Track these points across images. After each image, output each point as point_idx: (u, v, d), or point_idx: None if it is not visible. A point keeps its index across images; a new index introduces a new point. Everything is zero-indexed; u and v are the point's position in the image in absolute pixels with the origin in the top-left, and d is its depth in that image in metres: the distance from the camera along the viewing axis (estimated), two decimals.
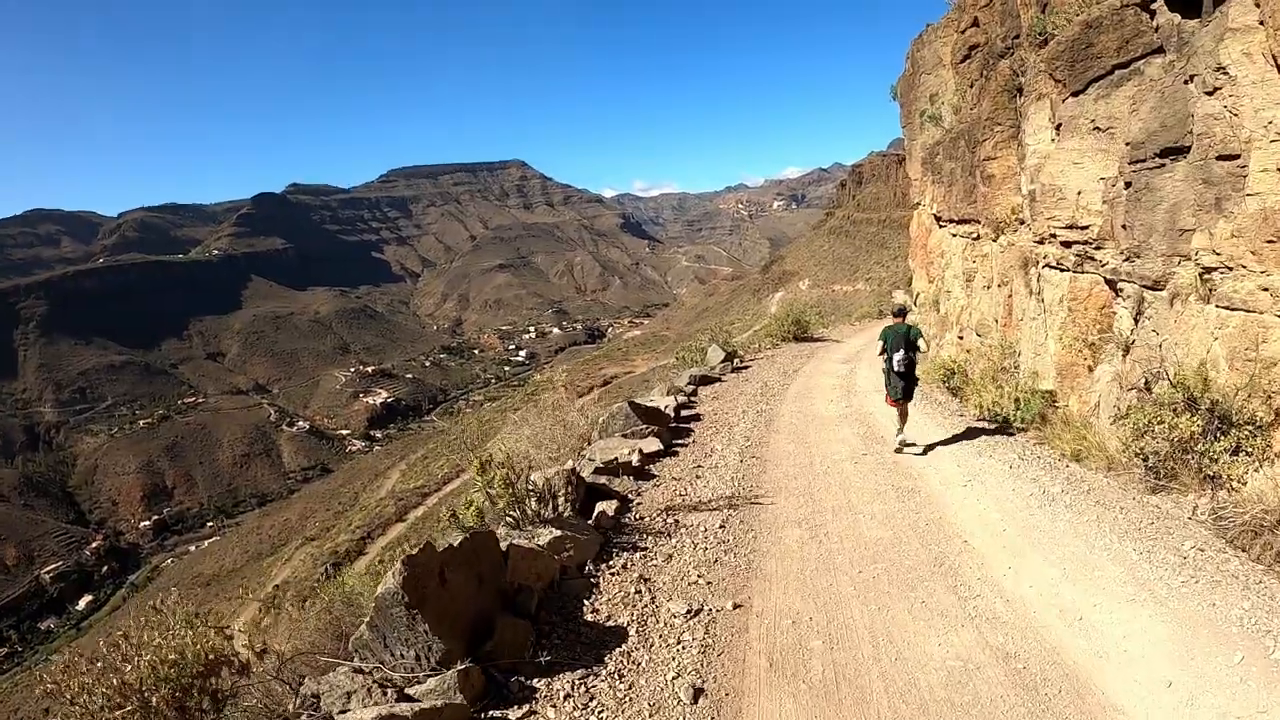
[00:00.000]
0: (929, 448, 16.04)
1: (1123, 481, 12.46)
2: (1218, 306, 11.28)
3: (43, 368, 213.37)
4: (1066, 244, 15.96)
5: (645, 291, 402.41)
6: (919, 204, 34.92)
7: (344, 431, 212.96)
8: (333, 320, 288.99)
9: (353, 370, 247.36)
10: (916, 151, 34.30)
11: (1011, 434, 16.75)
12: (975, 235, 23.67)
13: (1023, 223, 19.89)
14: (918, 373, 16.10)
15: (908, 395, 15.48)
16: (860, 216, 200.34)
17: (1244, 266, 10.71)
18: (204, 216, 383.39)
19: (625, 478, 14.07)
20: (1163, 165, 12.70)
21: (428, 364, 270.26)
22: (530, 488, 10.44)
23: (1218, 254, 11.10)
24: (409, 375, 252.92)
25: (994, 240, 22.00)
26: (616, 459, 14.55)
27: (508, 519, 10.10)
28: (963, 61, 25.85)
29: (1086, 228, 15.26)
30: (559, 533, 9.54)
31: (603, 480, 13.49)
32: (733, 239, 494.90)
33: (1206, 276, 11.46)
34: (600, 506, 11.66)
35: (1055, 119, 16.52)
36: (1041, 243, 17.15)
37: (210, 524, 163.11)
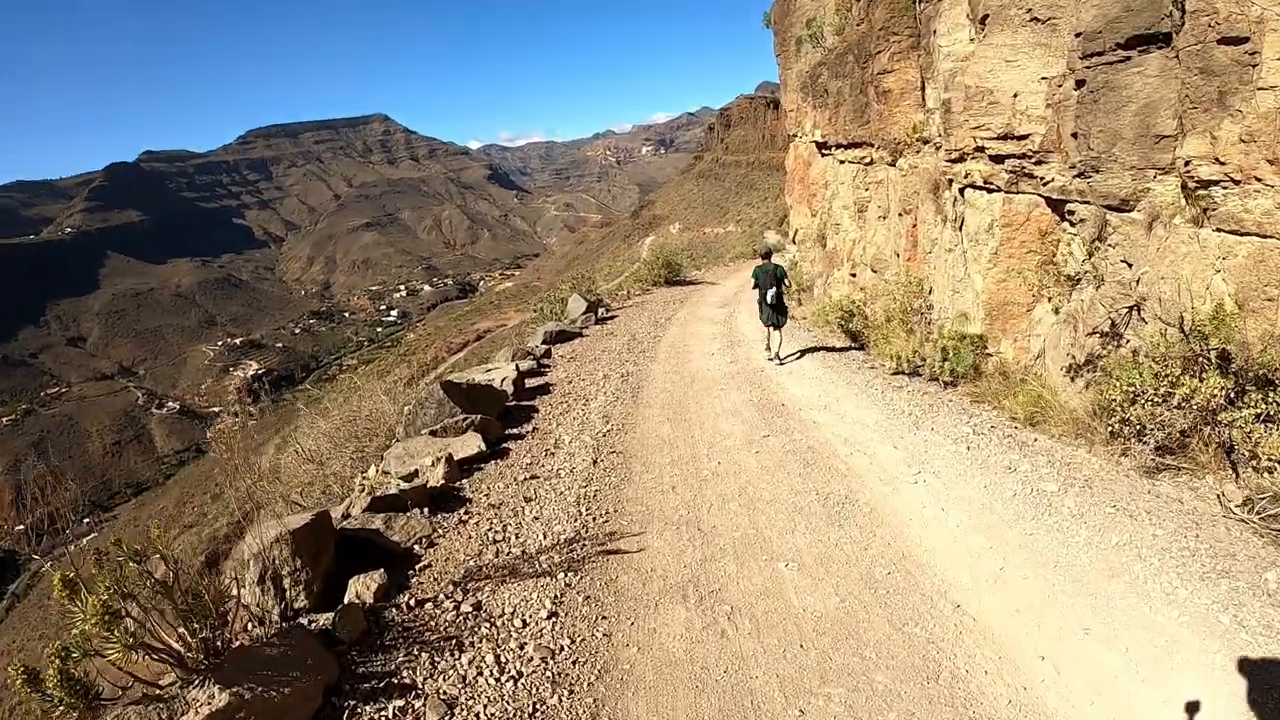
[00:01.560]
0: (847, 416, 13.33)
1: (1110, 459, 9.67)
2: (1219, 230, 8.61)
3: None
4: (998, 158, 13.07)
5: (515, 243, 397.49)
6: (795, 136, 32.51)
7: (216, 408, 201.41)
8: (196, 292, 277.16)
9: (220, 344, 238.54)
10: (792, 80, 31.95)
11: (941, 390, 14.04)
12: (867, 160, 20.97)
13: (927, 142, 17.49)
14: (786, 302, 18.68)
15: (779, 324, 18.12)
16: (729, 159, 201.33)
17: (1257, 179, 8.08)
18: (55, 193, 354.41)
19: (416, 512, 9.45)
20: (1128, 59, 10.14)
21: (297, 331, 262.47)
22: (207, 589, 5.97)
23: (1221, 163, 8.40)
24: (279, 344, 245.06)
25: (890, 164, 19.39)
26: (416, 472, 10.60)
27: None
28: None
29: (1025, 137, 12.39)
30: (226, 700, 5.00)
31: (378, 523, 8.95)
32: (602, 186, 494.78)
33: (1201, 193, 8.79)
34: (355, 587, 7.44)
35: (978, 12, 13.64)
36: (959, 160, 14.40)
37: (87, 520, 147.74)
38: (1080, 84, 11.01)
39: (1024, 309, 13.28)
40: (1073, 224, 11.78)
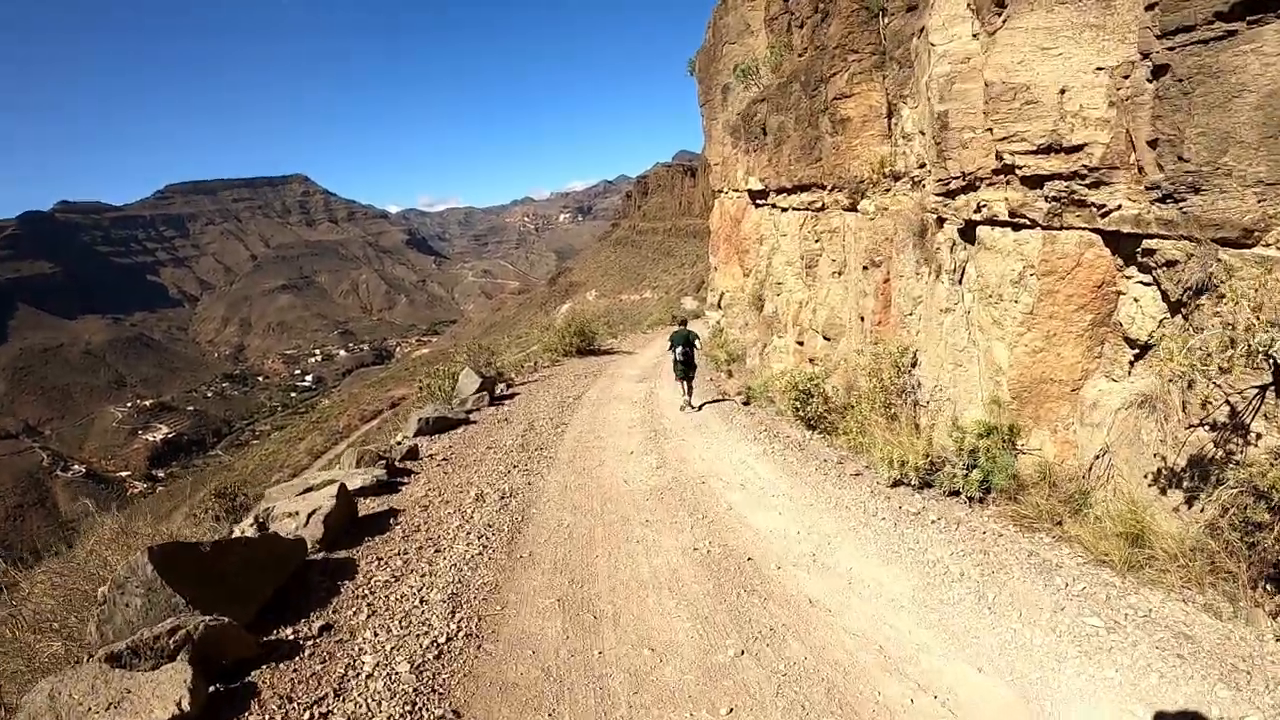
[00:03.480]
0: (860, 583, 8.73)
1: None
2: None
3: None
4: (1035, 180, 9.30)
5: (433, 309, 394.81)
6: (721, 191, 29.81)
7: (124, 473, 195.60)
8: (107, 351, 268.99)
9: (130, 405, 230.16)
10: (718, 130, 29.35)
11: (969, 511, 10.07)
12: (818, 205, 17.40)
13: (899, 177, 14.13)
14: (696, 360, 19.90)
15: (689, 377, 19.62)
16: (646, 226, 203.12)
17: None
18: None
19: None
20: (1233, 33, 6.95)
21: (210, 394, 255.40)
22: None
23: None
24: (190, 408, 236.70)
25: (849, 208, 15.93)
26: None
27: None
28: None
29: (1078, 149, 8.66)
30: None
31: None
32: (520, 253, 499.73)
33: None
34: None
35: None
36: (964, 190, 10.81)
37: None
38: (1160, 71, 7.48)
39: (1068, 388, 9.53)
40: (1147, 268, 8.15)
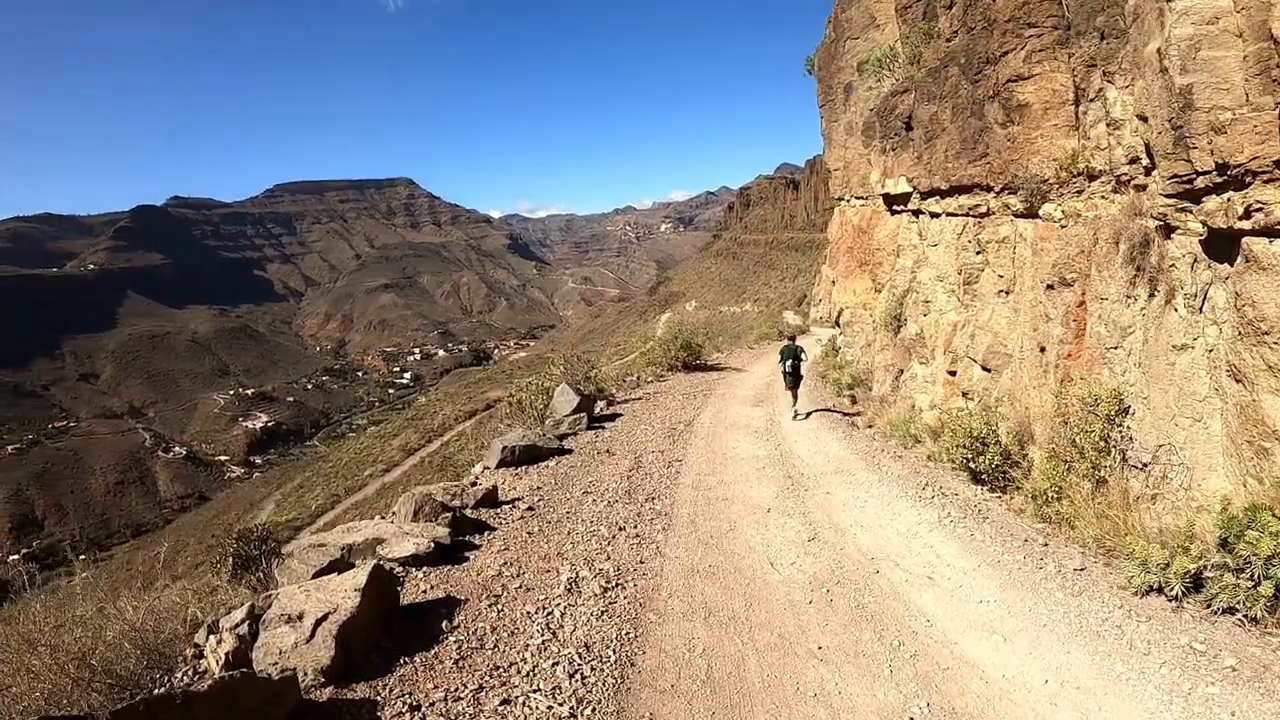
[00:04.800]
0: None
1: None
2: None
3: None
4: None
5: (532, 313, 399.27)
6: (842, 199, 27.31)
7: (223, 457, 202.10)
8: (212, 340, 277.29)
9: (232, 393, 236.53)
10: (839, 134, 26.81)
11: (1255, 636, 7.18)
12: (982, 210, 14.61)
13: (1094, 177, 11.40)
14: (802, 372, 21.17)
15: (796, 385, 20.75)
16: (747, 238, 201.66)
17: None
18: (81, 229, 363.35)
19: None
20: None
21: (310, 386, 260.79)
22: None
23: None
24: (290, 398, 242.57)
25: (1025, 214, 13.13)
26: None
27: None
28: None
29: None
30: None
31: None
32: (620, 261, 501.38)
33: None
34: None
35: None
36: (1207, 193, 8.08)
37: (83, 557, 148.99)
38: None
39: None
40: None
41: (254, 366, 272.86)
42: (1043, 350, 12.08)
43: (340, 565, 8.28)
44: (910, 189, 17.86)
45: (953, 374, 15.59)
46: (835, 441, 17.13)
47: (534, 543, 10.82)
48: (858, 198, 26.04)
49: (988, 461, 12.10)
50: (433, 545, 9.83)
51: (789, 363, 20.59)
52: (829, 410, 21.63)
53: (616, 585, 9.23)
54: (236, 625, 7.03)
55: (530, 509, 12.56)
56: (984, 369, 14.28)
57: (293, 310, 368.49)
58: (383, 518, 12.52)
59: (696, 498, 13.19)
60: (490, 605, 8.56)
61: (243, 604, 7.54)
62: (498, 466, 15.61)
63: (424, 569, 9.55)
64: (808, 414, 20.73)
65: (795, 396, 20.91)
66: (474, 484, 13.81)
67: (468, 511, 11.99)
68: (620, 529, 11.43)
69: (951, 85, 15.42)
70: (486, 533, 11.30)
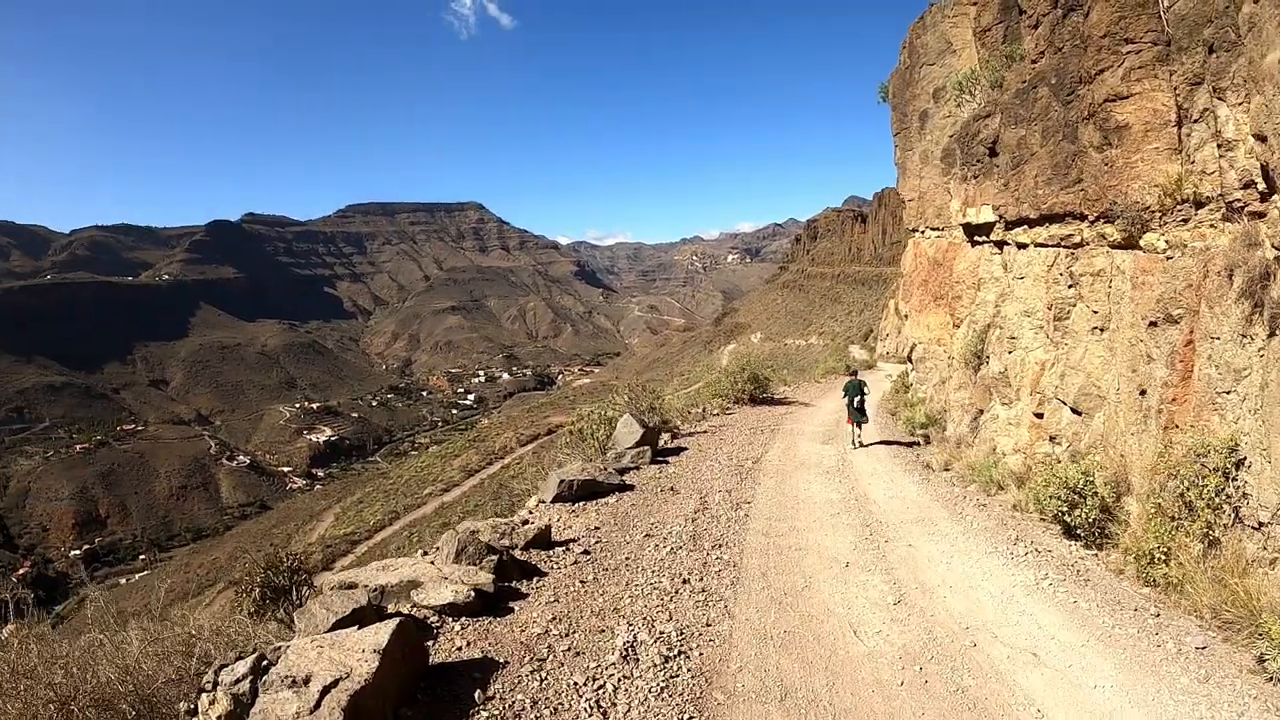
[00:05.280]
0: None
1: None
2: None
3: None
4: None
5: (597, 340, 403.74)
6: (916, 230, 26.45)
7: (285, 468, 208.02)
8: (280, 354, 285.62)
9: (298, 406, 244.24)
10: (913, 163, 25.95)
11: None
12: (1075, 240, 13.55)
13: (1202, 205, 10.40)
14: (865, 407, 21.63)
15: (860, 422, 21.26)
16: (814, 271, 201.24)
17: None
18: (157, 240, 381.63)
19: None
20: None
21: (374, 403, 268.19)
22: None
23: None
24: (355, 414, 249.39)
25: (1123, 245, 12.09)
26: None
27: None
28: None
29: None
30: None
31: None
32: (686, 290, 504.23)
33: None
34: None
35: None
36: None
37: (142, 557, 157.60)
38: None
39: None
40: None
41: (320, 381, 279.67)
42: (1143, 393, 11.01)
43: (365, 614, 7.32)
44: (995, 218, 16.82)
45: (1039, 416, 14.48)
46: (912, 485, 16.09)
47: (588, 594, 9.80)
48: (933, 229, 25.10)
49: (1084, 515, 10.99)
50: (473, 594, 8.89)
51: (855, 399, 21.05)
52: (899, 446, 20.95)
53: (679, 653, 8.14)
54: (238, 681, 6.22)
55: (586, 553, 11.61)
56: (1074, 412, 13.20)
57: (360, 328, 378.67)
58: (425, 553, 11.64)
59: (767, 546, 12.17)
60: (533, 672, 7.56)
61: (253, 651, 6.78)
62: (554, 501, 14.78)
63: (462, 620, 8.67)
64: (869, 444, 21.23)
65: (859, 428, 21.39)
66: (525, 522, 12.91)
67: (517, 553, 11.08)
68: (684, 581, 10.40)
69: (1041, 107, 14.46)
70: (536, 579, 10.35)
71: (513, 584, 9.99)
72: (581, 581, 10.30)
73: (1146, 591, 9.41)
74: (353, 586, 8.89)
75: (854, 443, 21.14)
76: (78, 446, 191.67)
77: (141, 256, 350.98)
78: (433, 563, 10.13)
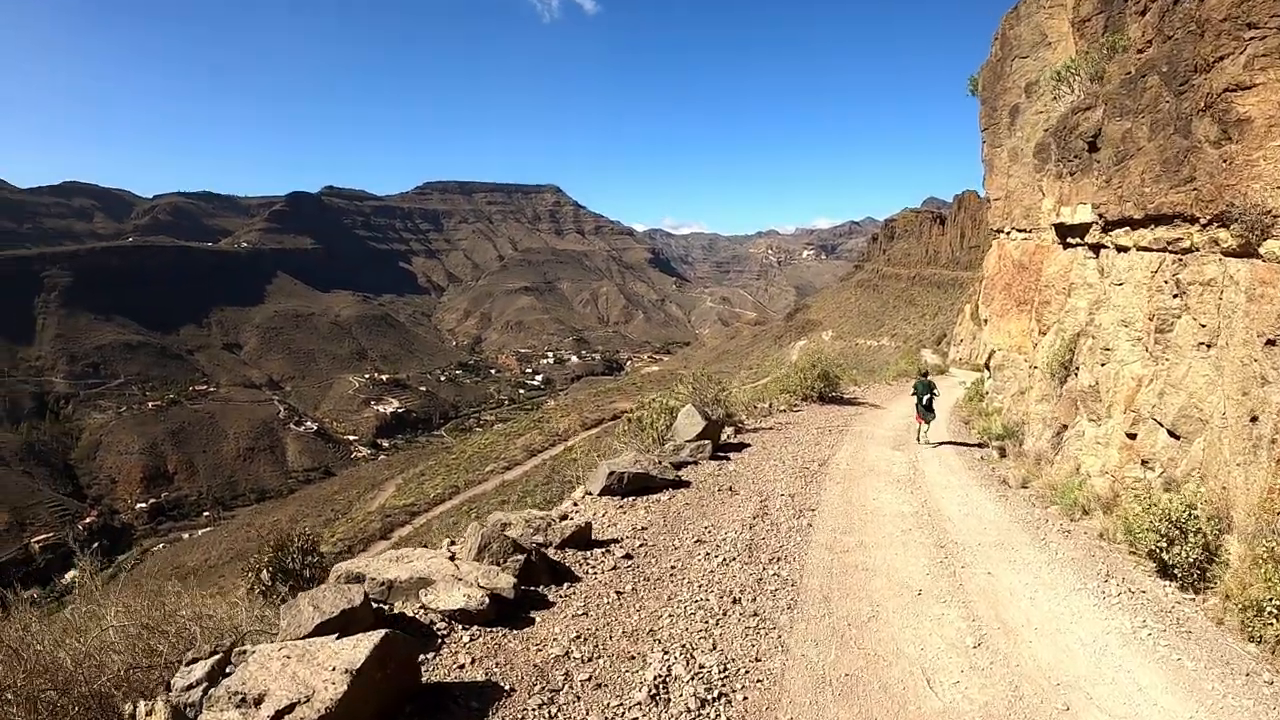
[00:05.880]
0: None
1: None
2: None
3: (59, 338, 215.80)
4: None
5: (668, 328, 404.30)
6: (1001, 230, 25.31)
7: (351, 437, 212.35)
8: (353, 325, 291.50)
9: (367, 377, 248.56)
10: (1001, 160, 24.91)
11: None
12: (1184, 245, 12.26)
13: None
14: (935, 407, 22.15)
15: (929, 419, 21.83)
16: (889, 271, 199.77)
17: None
18: (237, 208, 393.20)
19: None
20: None
21: (443, 378, 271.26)
22: None
23: None
24: (423, 388, 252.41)
25: (1237, 252, 10.80)
26: None
27: None
28: None
29: None
30: None
31: None
32: (759, 284, 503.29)
33: None
34: None
35: None
36: None
37: (206, 514, 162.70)
38: None
39: None
40: None
41: (391, 354, 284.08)
42: (1254, 420, 9.77)
43: (356, 618, 6.40)
44: (1093, 218, 15.50)
45: (1131, 437, 13.21)
46: (989, 502, 14.95)
47: (622, 609, 8.73)
48: (1020, 230, 23.87)
49: (1184, 554, 9.74)
50: (487, 600, 7.88)
51: (925, 397, 21.81)
52: (968, 450, 20.54)
53: (720, 695, 6.98)
54: (190, 687, 5.47)
55: (628, 557, 10.60)
56: (1171, 435, 11.96)
57: (433, 304, 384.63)
58: (453, 542, 10.77)
59: (831, 564, 11.06)
60: (542, 706, 6.48)
61: (211, 654, 5.98)
62: (601, 494, 13.85)
63: (473, 630, 7.71)
64: (937, 444, 21.73)
65: (927, 427, 22.17)
66: (564, 517, 11.97)
67: (550, 551, 10.17)
68: (735, 600, 9.29)
69: (1150, 98, 13.21)
70: (566, 585, 9.35)
71: (539, 589, 9.04)
72: (618, 592, 9.29)
73: (1254, 650, 8.23)
74: (359, 579, 8.17)
75: (919, 438, 22.00)
76: (150, 404, 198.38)
77: (221, 223, 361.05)
78: (452, 558, 9.19)
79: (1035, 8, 24.16)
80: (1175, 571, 9.98)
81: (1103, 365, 14.79)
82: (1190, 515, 9.96)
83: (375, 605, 7.53)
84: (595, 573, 9.92)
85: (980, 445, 21.63)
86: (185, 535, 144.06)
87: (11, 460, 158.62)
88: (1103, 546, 11.97)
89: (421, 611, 7.82)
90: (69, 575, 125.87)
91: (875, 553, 11.61)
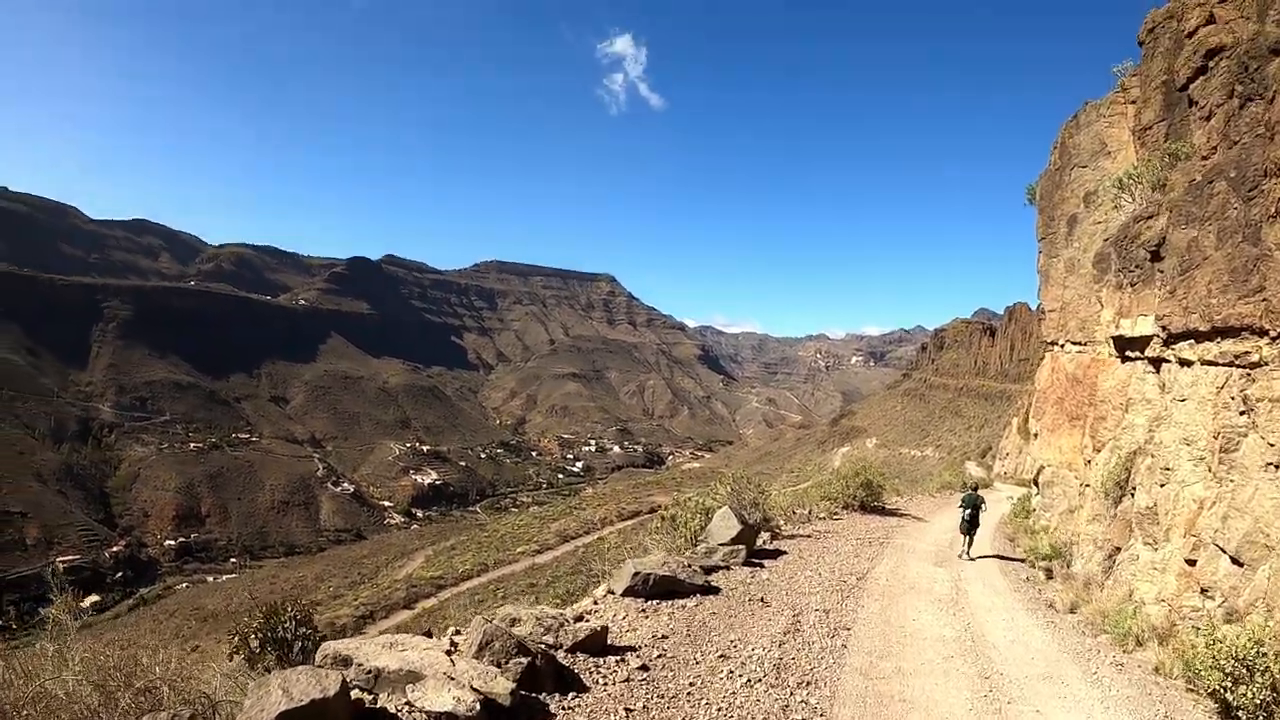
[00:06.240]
0: None
1: None
2: None
3: (112, 368, 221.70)
4: None
5: (712, 425, 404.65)
6: (1055, 343, 24.69)
7: (387, 503, 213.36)
8: (400, 393, 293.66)
9: (409, 445, 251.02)
10: (1058, 271, 24.50)
11: None
12: (1254, 359, 11.47)
13: None
14: (979, 519, 21.82)
15: (971, 532, 21.66)
16: (937, 381, 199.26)
17: None
18: (299, 266, 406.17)
19: None
20: None
21: (484, 455, 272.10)
22: None
23: None
24: (463, 462, 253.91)
25: None
26: None
27: None
28: (1194, 80, 15.42)
29: None
30: None
31: None
32: (806, 387, 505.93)
33: None
34: None
35: None
36: None
37: (233, 560, 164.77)
38: None
39: None
40: None
41: (434, 425, 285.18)
42: None
43: (327, 709, 5.80)
44: (1155, 330, 14.73)
45: (1191, 563, 12.24)
46: (1036, 628, 13.81)
47: None
48: (1074, 343, 23.14)
49: (1251, 695, 8.71)
50: (478, 707, 7.05)
51: (968, 511, 21.58)
52: (1012, 566, 20.40)
53: None
54: None
55: (643, 669, 9.65)
56: (1235, 562, 11.03)
57: (481, 380, 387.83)
58: (458, 632, 10.00)
59: (865, 693, 10.00)
60: None
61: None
62: (624, 594, 12.95)
63: None
64: (978, 558, 21.52)
65: (970, 541, 21.91)
66: (580, 618, 11.14)
67: (560, 654, 9.33)
68: None
69: (1217, 204, 12.58)
70: (571, 696, 8.47)
71: (540, 697, 8.23)
72: (627, 709, 8.39)
73: None
74: (347, 662, 7.50)
75: (962, 554, 21.65)
76: (192, 444, 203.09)
77: (282, 279, 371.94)
78: (451, 650, 8.42)
79: (1095, 116, 23.78)
80: (1240, 714, 8.96)
81: (1162, 486, 13.81)
82: (1258, 652, 8.97)
83: (359, 693, 7.01)
84: (606, 684, 9.04)
85: (1025, 563, 20.54)
86: (210, 578, 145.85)
87: (49, 479, 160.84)
88: (1159, 683, 10.90)
89: (406, 709, 7.07)
90: (88, 601, 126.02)
91: (914, 681, 10.58)
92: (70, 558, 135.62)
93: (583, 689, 8.74)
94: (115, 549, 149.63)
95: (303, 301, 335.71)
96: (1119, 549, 15.36)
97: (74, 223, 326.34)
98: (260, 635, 9.05)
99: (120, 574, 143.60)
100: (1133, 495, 15.15)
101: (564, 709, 8.08)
